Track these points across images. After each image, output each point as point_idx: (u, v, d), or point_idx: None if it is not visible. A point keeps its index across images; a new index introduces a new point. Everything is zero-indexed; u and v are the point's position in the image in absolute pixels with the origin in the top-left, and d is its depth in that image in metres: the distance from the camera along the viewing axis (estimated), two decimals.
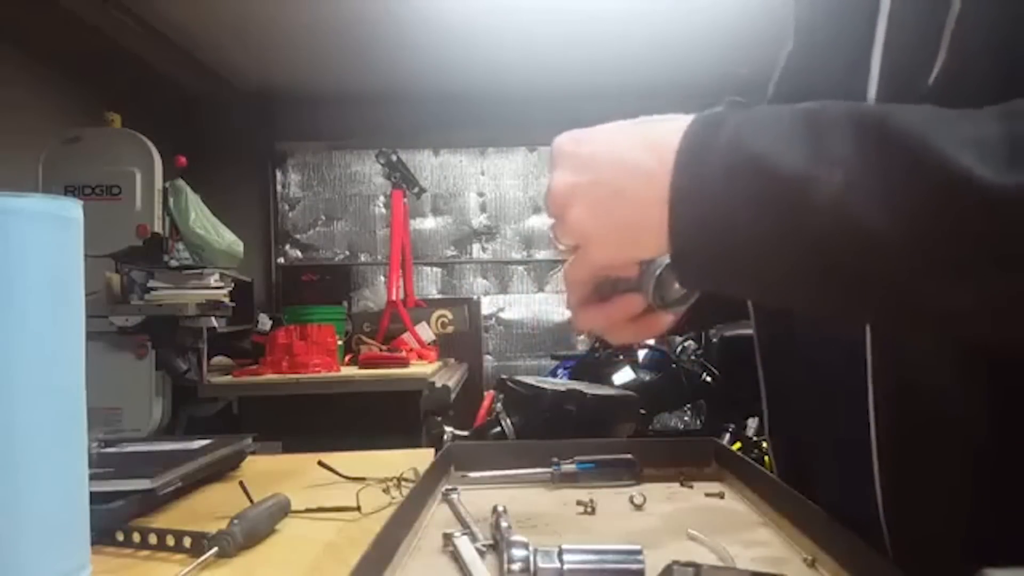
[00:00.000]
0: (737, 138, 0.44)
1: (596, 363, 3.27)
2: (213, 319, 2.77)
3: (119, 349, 2.59)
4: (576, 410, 1.96)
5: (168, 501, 0.84)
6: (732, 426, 2.82)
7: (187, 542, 0.66)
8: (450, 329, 4.20)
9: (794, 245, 0.42)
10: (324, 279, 5.01)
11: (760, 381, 0.72)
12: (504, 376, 2.16)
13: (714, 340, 3.30)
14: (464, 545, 0.59)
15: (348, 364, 3.32)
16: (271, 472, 0.99)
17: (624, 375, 3.13)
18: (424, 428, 2.56)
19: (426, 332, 3.79)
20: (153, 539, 0.68)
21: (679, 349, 3.53)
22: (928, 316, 0.43)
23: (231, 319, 2.98)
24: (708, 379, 3.19)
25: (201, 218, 2.78)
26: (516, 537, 0.55)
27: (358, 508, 0.78)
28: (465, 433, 2.03)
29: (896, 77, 0.51)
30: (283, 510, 0.75)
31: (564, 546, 0.52)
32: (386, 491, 0.83)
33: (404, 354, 3.28)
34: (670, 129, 0.46)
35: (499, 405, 2.03)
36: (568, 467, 0.81)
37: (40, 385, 0.51)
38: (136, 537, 0.68)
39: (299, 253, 5.20)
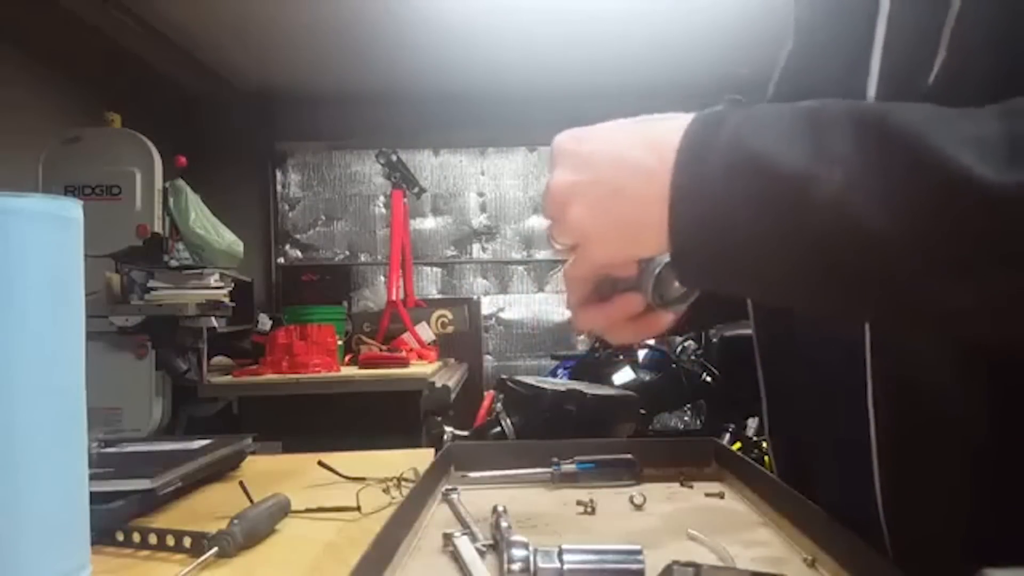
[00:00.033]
0: (737, 137, 0.44)
1: (596, 363, 3.27)
2: (213, 319, 2.77)
3: (119, 349, 2.59)
4: (576, 410, 1.96)
5: (168, 501, 0.84)
6: (732, 426, 2.82)
7: (187, 542, 0.66)
8: (450, 329, 4.20)
9: (794, 244, 0.42)
10: (324, 279, 5.01)
11: (760, 381, 0.72)
12: (504, 376, 2.16)
13: (714, 340, 3.30)
14: (464, 545, 0.59)
15: (348, 364, 3.32)
16: (271, 472, 0.99)
17: (624, 375, 3.13)
18: (424, 428, 2.56)
19: (426, 332, 3.79)
20: (153, 539, 0.68)
21: (679, 349, 3.53)
22: (928, 315, 0.43)
23: (231, 319, 2.98)
24: (708, 379, 3.19)
25: (201, 218, 2.78)
26: (516, 537, 0.55)
27: (358, 508, 0.78)
28: (465, 433, 2.03)
29: (896, 76, 0.51)
30: (283, 510, 0.75)
31: (564, 546, 0.52)
32: (386, 491, 0.83)
33: (404, 354, 3.28)
34: (670, 128, 0.46)
35: (499, 405, 2.03)
36: (568, 467, 0.81)
37: (40, 385, 0.51)
38: (136, 537, 0.68)
39: (299, 253, 5.20)
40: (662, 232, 0.45)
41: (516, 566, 0.52)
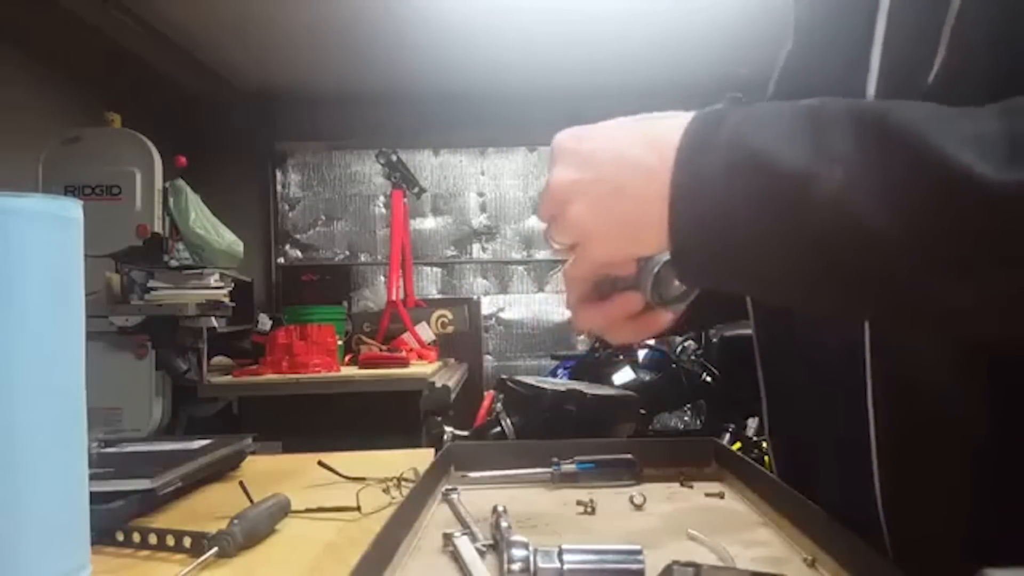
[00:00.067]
0: (737, 135, 0.44)
1: (596, 363, 3.27)
2: (213, 319, 2.77)
3: (119, 349, 2.59)
4: (576, 410, 1.96)
5: (168, 501, 0.84)
6: (732, 426, 2.82)
7: (187, 542, 0.66)
8: (450, 329, 4.20)
9: (794, 242, 0.42)
10: (324, 279, 5.01)
11: (760, 381, 0.72)
12: (504, 376, 2.16)
13: (714, 340, 3.30)
14: (464, 545, 0.59)
15: (348, 364, 3.32)
16: (271, 472, 0.99)
17: (624, 375, 3.13)
18: (424, 428, 2.56)
19: (426, 332, 3.79)
20: (153, 539, 0.68)
21: (679, 349, 3.53)
22: (928, 314, 0.43)
23: (231, 319, 2.98)
24: (708, 379, 3.19)
25: (201, 218, 2.78)
26: (516, 537, 0.55)
27: (358, 508, 0.78)
28: (465, 433, 2.03)
29: (896, 74, 0.51)
30: (283, 510, 0.75)
31: (564, 546, 0.52)
32: (386, 491, 0.83)
33: (404, 354, 3.28)
34: (671, 126, 0.46)
35: (499, 405, 2.03)
36: (568, 467, 0.81)
37: (40, 385, 0.51)
38: (136, 537, 0.68)
39: (299, 253, 5.20)
40: (662, 231, 0.45)
41: (516, 566, 0.52)
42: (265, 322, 3.74)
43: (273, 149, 5.11)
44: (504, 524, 0.61)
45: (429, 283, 5.16)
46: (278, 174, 5.17)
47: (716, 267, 0.46)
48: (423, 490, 0.73)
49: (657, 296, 0.52)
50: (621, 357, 3.20)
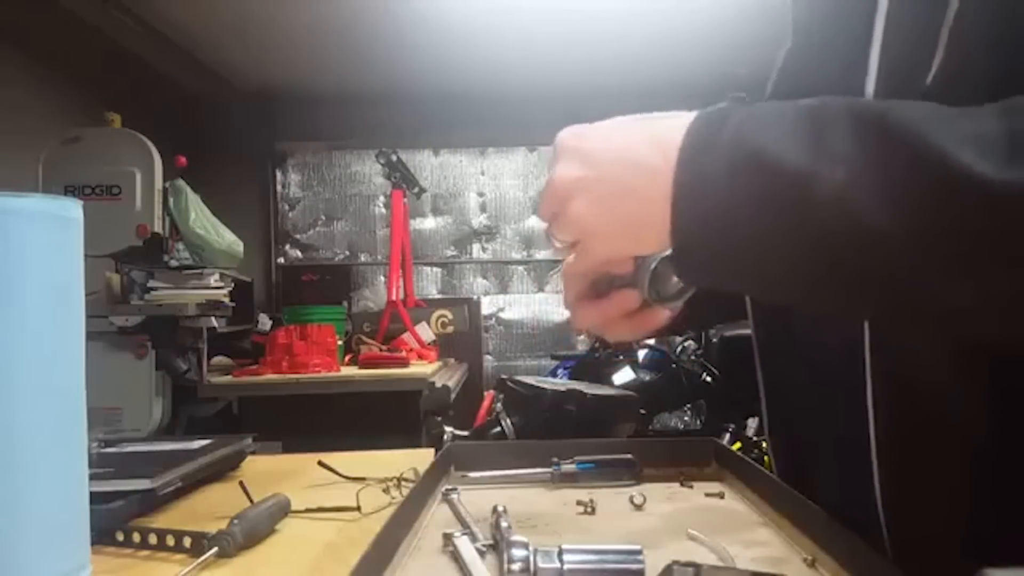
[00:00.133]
0: (739, 134, 0.44)
1: (596, 363, 3.27)
2: (213, 319, 2.77)
3: (119, 349, 2.59)
4: (576, 410, 1.96)
5: (168, 501, 0.84)
6: (732, 426, 2.82)
7: (187, 542, 0.66)
8: (450, 329, 4.20)
9: (796, 241, 0.42)
10: (324, 279, 5.01)
11: (759, 381, 0.72)
12: (504, 376, 2.17)
13: (714, 340, 3.30)
14: (464, 545, 0.59)
15: (348, 364, 3.32)
16: (271, 472, 0.99)
17: (624, 375, 3.13)
18: (424, 428, 2.56)
19: (426, 332, 3.79)
20: (153, 539, 0.68)
21: (679, 349, 3.53)
22: (928, 313, 0.43)
23: (231, 319, 2.98)
24: (708, 379, 3.20)
25: (201, 218, 2.78)
26: (516, 537, 0.55)
27: (358, 508, 0.78)
28: (465, 433, 2.03)
29: (894, 76, 0.51)
30: (283, 510, 0.75)
31: (564, 546, 0.52)
32: (386, 491, 0.83)
33: (404, 354, 3.28)
34: (674, 126, 0.46)
35: (499, 405, 2.03)
36: (568, 467, 0.81)
37: (40, 385, 0.51)
38: (136, 537, 0.68)
39: (299, 253, 5.20)
40: (664, 230, 0.45)
41: (516, 566, 0.52)
42: (265, 322, 3.74)
43: (273, 149, 5.11)
44: (504, 524, 0.61)
45: (429, 283, 5.16)
46: (278, 174, 5.17)
47: (718, 266, 0.46)
48: (423, 490, 0.73)
49: (654, 293, 0.52)
50: (621, 357, 3.20)
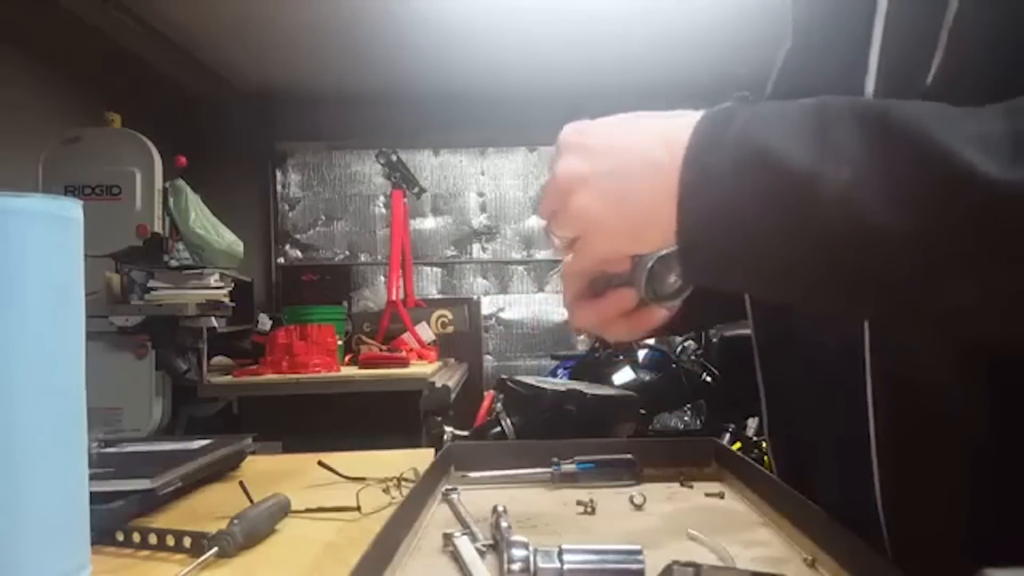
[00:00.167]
0: (745, 133, 0.44)
1: (596, 363, 3.27)
2: (213, 319, 2.77)
3: (119, 349, 2.59)
4: (576, 410, 1.96)
5: (168, 501, 0.84)
6: (732, 426, 2.82)
7: (187, 542, 0.66)
8: (450, 329, 4.20)
9: (800, 239, 0.42)
10: (324, 279, 5.01)
11: (759, 381, 0.72)
12: (504, 376, 2.17)
13: (714, 340, 3.30)
14: (464, 545, 0.59)
15: (348, 364, 3.32)
16: (271, 472, 0.99)
17: (624, 375, 3.13)
18: (424, 428, 2.56)
19: (426, 332, 3.79)
20: (153, 539, 0.68)
21: (679, 349, 3.53)
22: (930, 312, 0.43)
23: (231, 319, 2.98)
24: (708, 379, 3.20)
25: (201, 218, 2.78)
26: (516, 537, 0.55)
27: (358, 508, 0.78)
28: (465, 433, 2.03)
29: (894, 76, 0.51)
30: (283, 510, 0.75)
31: (564, 546, 0.52)
32: (386, 491, 0.83)
33: (404, 354, 3.28)
34: (680, 125, 0.46)
35: (499, 405, 2.03)
36: (568, 467, 0.81)
37: (40, 385, 0.51)
38: (136, 537, 0.68)
39: (299, 253, 5.20)
40: (667, 228, 0.45)
41: (516, 566, 0.52)
42: (265, 322, 3.74)
43: (273, 149, 5.11)
44: (504, 524, 0.61)
45: (429, 283, 5.16)
46: (278, 174, 5.17)
47: (723, 264, 0.46)
48: (423, 490, 0.73)
49: (651, 293, 0.52)
50: (621, 357, 3.20)
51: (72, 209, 0.54)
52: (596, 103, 0.52)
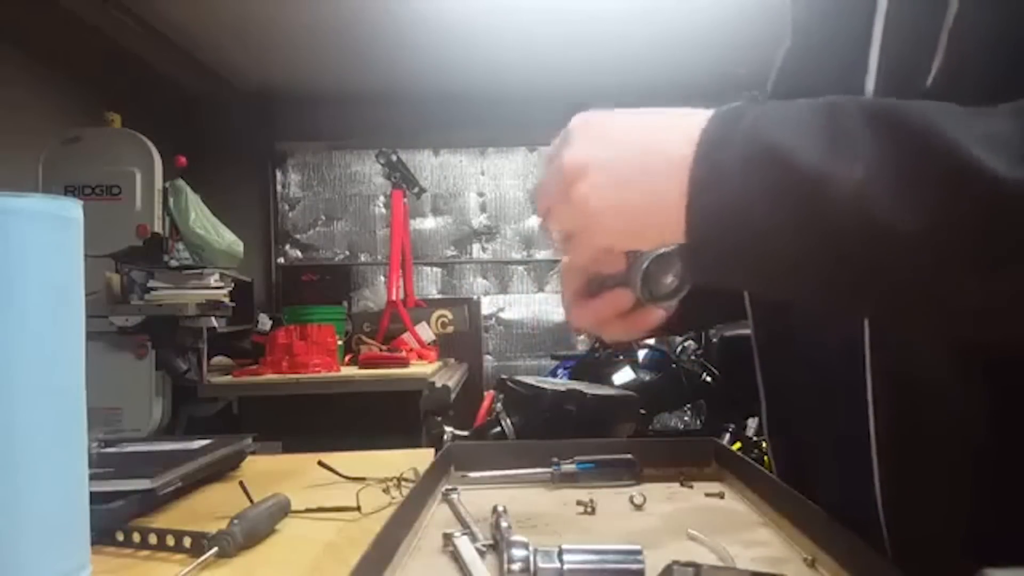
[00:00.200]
0: (755, 130, 0.44)
1: (596, 363, 3.27)
2: (213, 319, 2.77)
3: (119, 349, 2.59)
4: (576, 410, 1.96)
5: (168, 501, 0.84)
6: (732, 426, 2.82)
7: (187, 542, 0.66)
8: (450, 329, 4.20)
9: (809, 236, 0.42)
10: (324, 279, 5.01)
11: (758, 381, 0.72)
12: (504, 376, 2.17)
13: (714, 340, 3.30)
14: (464, 545, 0.59)
15: (348, 364, 3.32)
16: (271, 472, 0.99)
17: (624, 375, 3.13)
18: (424, 428, 2.56)
19: (426, 332, 3.79)
20: (153, 539, 0.68)
21: (679, 349, 3.53)
22: (935, 310, 0.43)
23: (231, 319, 2.98)
24: (708, 379, 3.20)
25: (201, 218, 2.78)
26: (516, 537, 0.55)
27: (358, 508, 0.78)
28: (465, 433, 2.03)
29: (894, 75, 0.51)
30: (283, 510, 0.75)
31: (564, 546, 0.52)
32: (386, 491, 0.83)
33: (404, 354, 3.28)
34: (692, 122, 0.46)
35: (499, 405, 2.03)
36: (568, 467, 0.81)
37: (40, 385, 0.51)
38: (136, 537, 0.68)
39: (299, 253, 5.20)
40: (671, 224, 0.45)
41: (516, 566, 0.52)
42: (265, 322, 3.74)
43: (273, 149, 5.11)
44: (504, 524, 0.61)
45: (429, 283, 5.16)
46: (278, 174, 5.17)
47: (729, 261, 0.45)
48: (423, 490, 0.73)
49: (647, 293, 0.52)
50: (621, 357, 3.20)
51: (72, 209, 0.54)
52: (596, 103, 0.52)
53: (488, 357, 5.08)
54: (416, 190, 3.84)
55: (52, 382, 0.52)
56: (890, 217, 0.40)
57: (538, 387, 2.04)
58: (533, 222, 5.19)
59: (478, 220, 5.23)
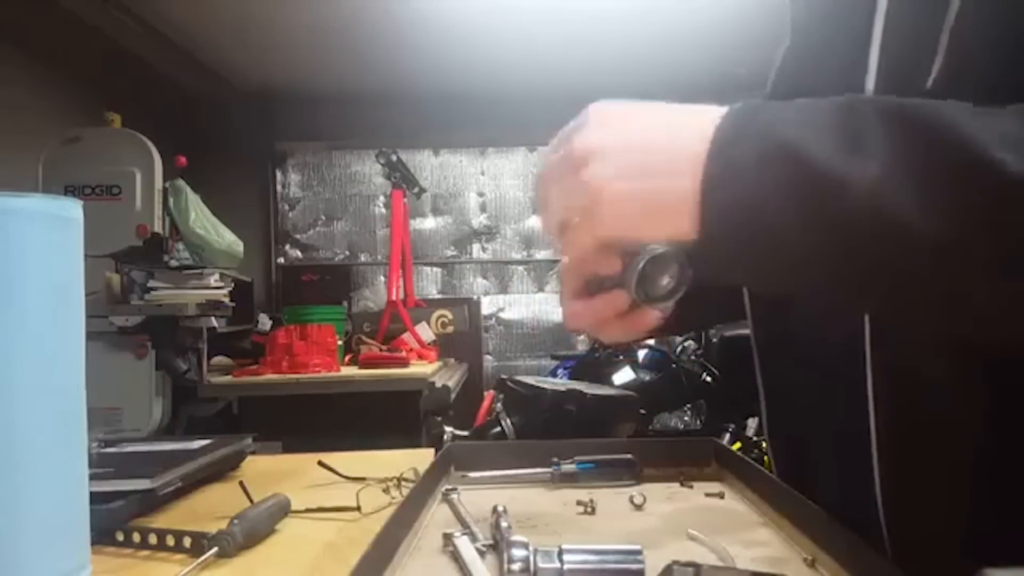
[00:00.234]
0: (769, 127, 0.44)
1: (596, 363, 3.27)
2: (213, 319, 2.77)
3: (119, 349, 2.59)
4: (576, 410, 1.96)
5: (168, 501, 0.84)
6: (732, 426, 2.82)
7: (187, 542, 0.66)
8: (450, 329, 4.20)
9: (819, 231, 0.42)
10: (324, 279, 5.01)
11: (758, 381, 0.72)
12: (504, 376, 2.17)
13: (714, 340, 3.30)
14: (464, 545, 0.59)
15: (348, 364, 3.32)
16: (271, 472, 0.99)
17: (624, 375, 3.13)
18: (424, 428, 2.56)
19: (426, 332, 3.79)
20: (153, 539, 0.68)
21: (679, 349, 3.54)
22: (944, 307, 0.43)
23: (231, 319, 2.98)
24: (708, 379, 3.20)
25: (201, 218, 2.78)
26: (516, 537, 0.55)
27: (358, 508, 0.78)
28: (465, 433, 2.03)
29: (894, 75, 0.51)
30: (283, 510, 0.75)
31: (564, 546, 0.52)
32: (386, 491, 0.83)
33: (404, 354, 3.28)
34: (708, 119, 0.46)
35: (499, 405, 2.03)
36: (568, 467, 0.81)
37: (40, 385, 0.51)
38: (136, 537, 0.68)
39: (299, 253, 5.20)
40: (678, 218, 0.45)
41: (516, 566, 0.52)
42: (265, 322, 3.74)
43: (273, 149, 5.11)
44: (504, 524, 0.61)
45: (429, 283, 5.16)
46: (278, 174, 5.17)
47: (741, 257, 0.45)
48: (423, 490, 0.73)
49: (643, 294, 0.52)
50: (621, 357, 3.20)
51: (72, 209, 0.54)
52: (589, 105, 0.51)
53: (488, 357, 5.08)
54: (416, 190, 3.84)
55: (52, 382, 0.52)
56: (906, 215, 0.40)
57: (538, 387, 2.04)
58: (533, 222, 5.18)
59: (478, 220, 5.23)
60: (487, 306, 5.13)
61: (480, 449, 0.88)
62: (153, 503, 0.81)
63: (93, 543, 0.57)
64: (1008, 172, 0.38)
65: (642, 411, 2.69)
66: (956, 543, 0.51)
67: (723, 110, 0.46)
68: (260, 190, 5.10)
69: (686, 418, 3.07)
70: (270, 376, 2.94)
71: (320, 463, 0.92)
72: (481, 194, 5.23)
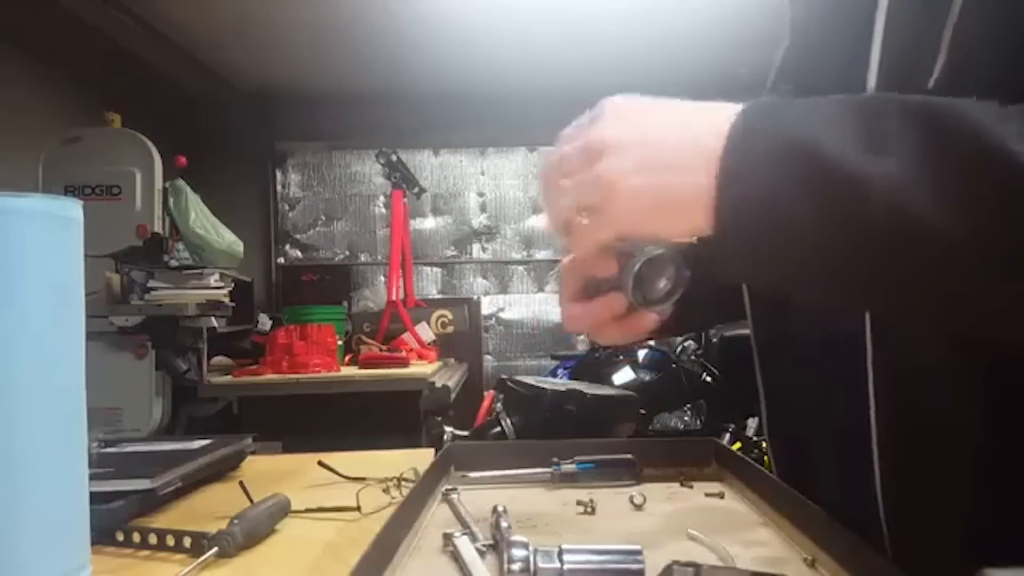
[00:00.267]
0: (785, 124, 0.44)
1: (596, 363, 3.27)
2: (213, 319, 2.77)
3: (119, 349, 2.59)
4: (576, 410, 1.96)
5: (168, 501, 0.84)
6: (732, 426, 2.82)
7: (187, 542, 0.66)
8: (450, 329, 4.20)
9: (832, 225, 0.42)
10: (324, 279, 5.01)
11: (758, 381, 0.72)
12: (504, 376, 2.17)
13: (714, 340, 3.31)
14: (464, 545, 0.59)
15: (348, 364, 3.32)
16: (271, 472, 0.99)
17: (624, 375, 3.13)
18: (424, 428, 2.56)
19: (426, 332, 3.79)
20: (153, 539, 0.68)
21: (679, 349, 3.54)
22: (952, 304, 0.43)
23: (231, 319, 2.98)
24: (708, 379, 3.20)
25: (201, 218, 2.78)
26: (516, 537, 0.55)
27: (358, 508, 0.78)
28: (465, 433, 2.03)
29: (896, 73, 0.51)
30: (283, 510, 0.75)
31: (564, 546, 0.52)
32: (386, 491, 0.83)
33: (404, 354, 3.28)
34: (725, 116, 0.46)
35: (499, 405, 2.03)
36: (568, 467, 0.81)
37: (40, 385, 0.51)
38: (136, 537, 0.68)
39: (299, 253, 5.20)
40: (692, 213, 0.45)
41: (516, 566, 0.52)
42: (265, 322, 3.74)
43: (273, 149, 5.11)
44: (504, 524, 0.61)
45: (429, 283, 5.16)
46: (278, 174, 5.17)
47: (754, 252, 0.45)
48: (423, 490, 0.73)
49: (639, 297, 0.51)
50: (621, 357, 3.20)
51: (72, 209, 0.54)
52: (596, 103, 0.51)
53: (488, 357, 5.08)
54: (416, 190, 3.84)
55: (52, 382, 0.52)
56: (920, 210, 0.40)
57: (538, 387, 2.04)
58: (533, 222, 5.19)
59: (478, 220, 5.23)
60: (487, 306, 5.13)
61: (480, 449, 0.88)
62: (153, 503, 0.81)
63: (93, 543, 0.57)
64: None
65: (642, 411, 2.69)
66: (956, 543, 0.51)
67: (738, 107, 0.46)
68: (260, 190, 5.10)
69: (686, 418, 3.07)
70: (270, 376, 2.94)
71: (320, 463, 0.92)
72: (481, 194, 5.23)
